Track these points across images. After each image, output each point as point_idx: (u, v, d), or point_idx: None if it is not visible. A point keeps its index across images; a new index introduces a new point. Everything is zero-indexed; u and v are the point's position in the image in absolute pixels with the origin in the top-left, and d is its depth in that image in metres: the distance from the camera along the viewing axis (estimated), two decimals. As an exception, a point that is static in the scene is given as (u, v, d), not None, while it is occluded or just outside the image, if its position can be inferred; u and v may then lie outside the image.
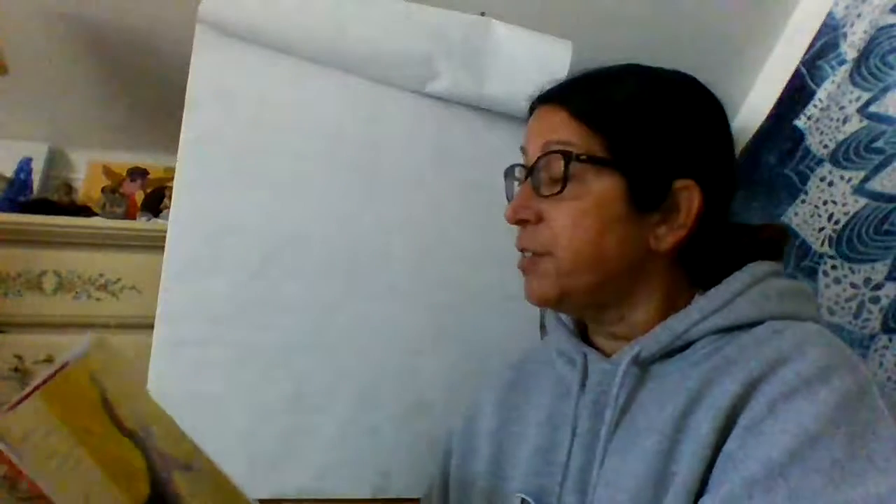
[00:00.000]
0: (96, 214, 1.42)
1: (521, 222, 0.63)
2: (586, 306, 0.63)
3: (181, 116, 1.02)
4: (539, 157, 0.60)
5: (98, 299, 1.13)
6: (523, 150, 0.65)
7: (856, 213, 1.18)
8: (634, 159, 0.58)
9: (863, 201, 1.18)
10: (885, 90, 1.20)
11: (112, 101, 1.49)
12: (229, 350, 0.94)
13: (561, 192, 0.58)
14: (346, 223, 1.05)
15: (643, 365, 0.58)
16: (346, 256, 1.04)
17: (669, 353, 0.58)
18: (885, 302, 1.09)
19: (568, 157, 0.58)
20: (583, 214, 0.58)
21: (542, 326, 1.11)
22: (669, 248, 0.59)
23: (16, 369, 1.06)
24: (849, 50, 1.25)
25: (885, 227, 1.14)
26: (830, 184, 1.23)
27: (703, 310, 0.57)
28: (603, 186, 0.58)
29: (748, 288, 0.57)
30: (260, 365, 0.96)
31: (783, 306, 0.57)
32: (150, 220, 1.38)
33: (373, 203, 1.07)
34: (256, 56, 1.07)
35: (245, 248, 0.99)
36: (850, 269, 1.15)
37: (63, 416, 0.37)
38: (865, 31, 1.23)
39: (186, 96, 1.02)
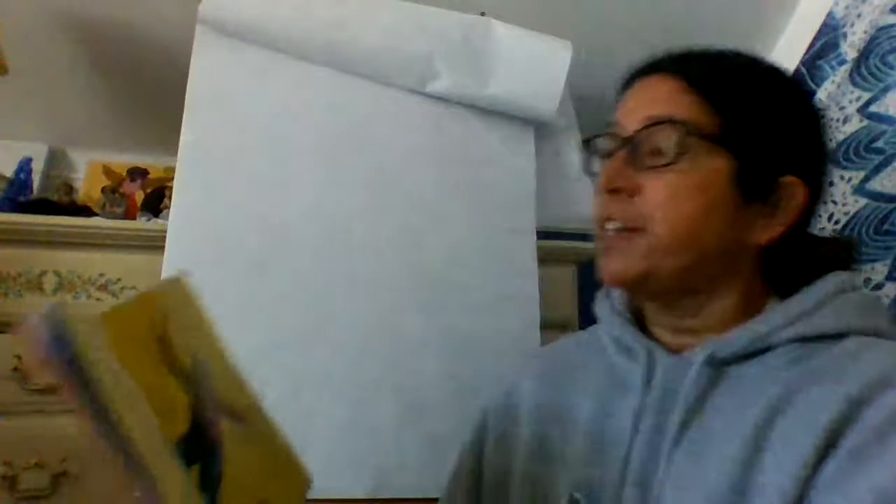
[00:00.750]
0: (96, 214, 1.42)
1: (614, 192, 0.58)
2: (667, 291, 0.59)
3: (181, 116, 1.02)
4: (644, 127, 0.57)
5: (98, 299, 1.13)
6: (614, 129, 0.61)
7: (856, 213, 1.18)
8: (750, 144, 0.56)
9: (863, 201, 1.18)
10: (885, 90, 1.20)
11: (112, 101, 1.49)
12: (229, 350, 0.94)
13: (670, 164, 0.55)
14: (346, 223, 1.05)
15: (717, 365, 0.56)
16: (345, 256, 1.04)
17: (745, 355, 0.56)
18: (885, 302, 1.09)
19: (685, 129, 0.55)
20: (687, 191, 0.55)
21: (543, 326, 1.11)
22: (764, 243, 0.57)
23: (16, 369, 1.06)
24: (849, 50, 1.25)
25: (885, 227, 1.14)
26: (830, 184, 1.23)
27: (788, 315, 0.55)
28: (713, 165, 0.56)
29: (832, 298, 0.56)
30: (259, 365, 0.95)
31: (866, 320, 0.56)
32: (150, 220, 1.38)
33: (373, 203, 1.07)
34: (256, 56, 1.07)
35: (245, 248, 0.99)
36: (850, 269, 1.15)
37: (115, 340, 0.36)
38: (865, 31, 1.23)
39: (186, 96, 1.02)
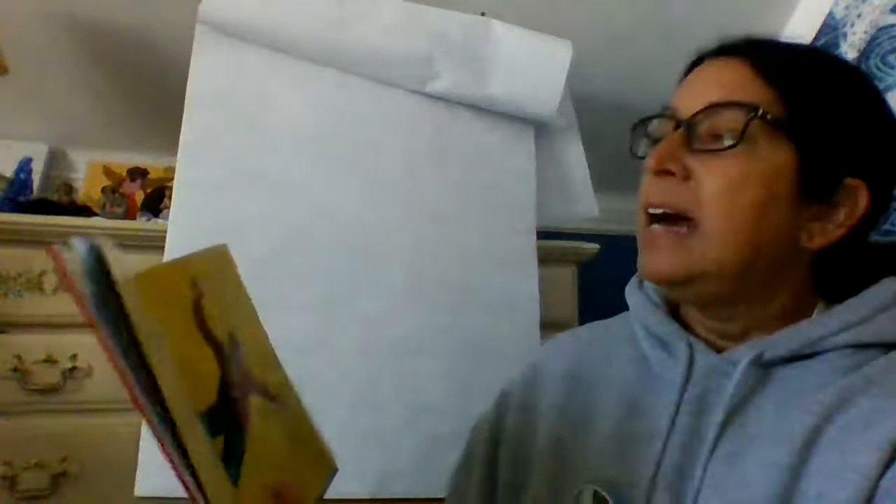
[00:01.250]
0: (96, 214, 1.42)
1: (663, 173, 0.54)
2: (714, 294, 0.55)
3: (181, 116, 1.02)
4: (709, 107, 0.53)
5: (98, 299, 1.13)
6: (668, 112, 0.57)
7: (856, 213, 1.18)
8: (817, 137, 0.52)
9: (863, 201, 1.18)
10: (885, 90, 1.20)
11: (112, 101, 1.49)
12: (229, 350, 0.94)
13: (731, 147, 0.51)
14: (346, 223, 1.05)
15: (762, 367, 0.53)
16: (345, 256, 1.04)
17: (791, 358, 0.53)
18: None
19: (753, 112, 0.51)
20: (746, 180, 0.51)
21: (543, 326, 1.11)
22: (819, 247, 0.53)
23: (15, 369, 1.06)
24: (849, 50, 1.25)
25: (886, 227, 1.14)
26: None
27: (844, 321, 0.52)
28: (775, 156, 0.51)
29: (889, 306, 0.53)
30: (260, 365, 0.96)
31: None
32: (150, 220, 1.38)
33: (372, 203, 1.07)
34: (256, 56, 1.07)
35: (244, 248, 0.98)
36: (850, 269, 1.15)
37: (149, 301, 0.34)
38: (865, 31, 1.23)
39: (186, 96, 1.02)
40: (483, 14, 1.20)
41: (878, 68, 1.22)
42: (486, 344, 1.06)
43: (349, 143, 1.08)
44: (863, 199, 0.53)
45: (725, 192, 0.51)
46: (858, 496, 0.44)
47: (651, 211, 0.55)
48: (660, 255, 0.54)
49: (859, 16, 1.25)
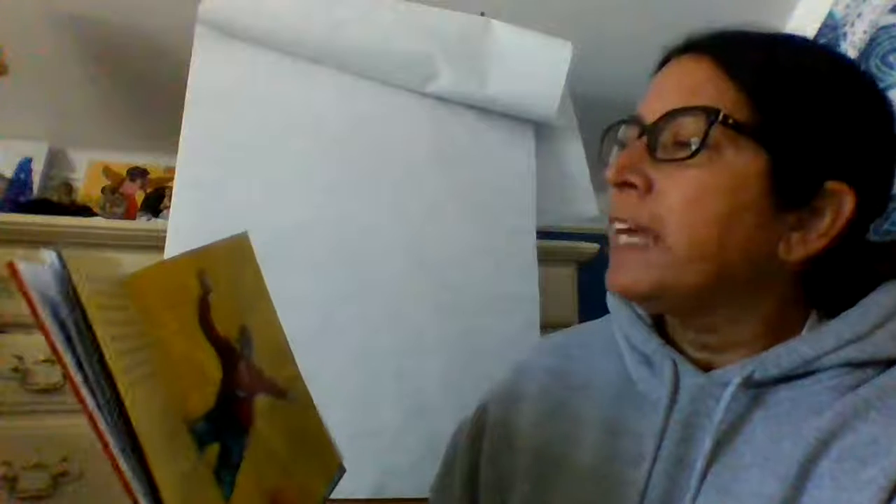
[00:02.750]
0: (96, 214, 1.42)
1: (623, 185, 0.51)
2: (681, 309, 0.52)
3: (181, 116, 1.02)
4: (668, 114, 0.49)
5: (98, 299, 1.13)
6: (635, 117, 0.54)
7: (856, 213, 1.18)
8: (789, 139, 0.47)
9: (863, 201, 1.18)
10: (886, 90, 1.20)
11: (112, 101, 1.49)
12: (229, 350, 0.94)
13: (691, 157, 0.47)
14: (346, 223, 1.05)
15: (752, 387, 0.49)
16: (345, 256, 1.04)
17: (783, 377, 0.49)
18: None
19: (714, 116, 0.47)
20: (708, 190, 0.47)
21: (543, 326, 1.11)
22: (799, 260, 0.49)
23: (16, 369, 1.06)
24: (849, 50, 1.25)
25: (886, 227, 1.14)
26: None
27: (840, 338, 0.48)
28: (742, 162, 0.47)
29: (889, 318, 0.48)
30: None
31: None
32: (150, 220, 1.38)
33: (372, 203, 1.07)
34: (256, 56, 1.07)
35: (245, 248, 0.99)
36: (850, 269, 1.15)
37: (139, 305, 0.32)
38: (865, 31, 1.23)
39: (186, 96, 1.02)
40: (483, 14, 1.20)
41: (878, 68, 1.22)
42: (486, 344, 1.06)
43: (349, 144, 1.08)
44: (848, 205, 0.48)
45: (687, 204, 0.48)
46: None
47: (617, 225, 0.52)
48: (623, 270, 0.52)
49: (859, 16, 1.25)
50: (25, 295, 0.29)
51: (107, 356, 0.30)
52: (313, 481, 0.48)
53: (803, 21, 1.40)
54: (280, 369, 0.47)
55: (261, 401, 0.43)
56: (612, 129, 0.57)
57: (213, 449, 0.36)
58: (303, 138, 1.06)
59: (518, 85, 1.15)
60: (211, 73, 1.04)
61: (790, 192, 0.48)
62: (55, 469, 1.04)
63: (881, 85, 1.19)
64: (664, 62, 0.56)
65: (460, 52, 1.13)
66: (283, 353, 0.49)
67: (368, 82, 1.11)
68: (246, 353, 0.42)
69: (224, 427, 0.38)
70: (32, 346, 1.08)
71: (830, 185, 0.48)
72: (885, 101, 0.52)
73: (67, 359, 0.29)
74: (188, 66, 1.04)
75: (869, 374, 0.48)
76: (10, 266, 0.28)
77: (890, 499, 0.41)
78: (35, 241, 1.10)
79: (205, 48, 1.05)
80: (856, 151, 0.49)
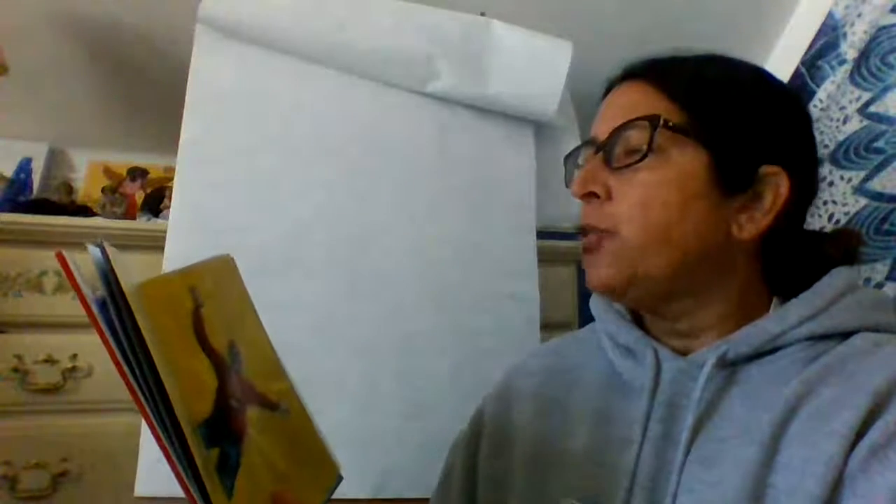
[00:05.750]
0: (96, 214, 1.42)
1: (587, 196, 0.58)
2: (655, 296, 0.58)
3: (181, 116, 1.02)
4: (617, 128, 0.57)
5: (98, 299, 1.13)
6: (590, 140, 0.62)
7: (856, 213, 1.18)
8: (723, 135, 0.55)
9: (863, 201, 1.18)
10: (885, 90, 1.20)
11: (112, 101, 1.49)
12: (229, 350, 0.94)
13: (640, 161, 0.55)
14: (346, 223, 1.05)
15: (727, 366, 0.55)
16: (345, 256, 1.04)
17: (755, 355, 0.55)
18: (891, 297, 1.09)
19: (655, 123, 0.55)
20: (659, 188, 0.55)
21: (543, 326, 1.11)
22: (751, 237, 0.56)
23: (16, 369, 1.06)
24: (849, 50, 1.25)
25: (886, 227, 1.14)
26: (831, 184, 1.23)
27: (801, 314, 0.54)
28: (686, 159, 0.55)
29: (842, 295, 0.55)
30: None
31: (876, 317, 0.55)
32: (150, 220, 1.38)
33: (372, 203, 1.07)
34: (256, 56, 1.07)
35: (244, 248, 0.99)
36: (850, 269, 1.15)
37: (150, 311, 0.35)
38: (865, 31, 1.23)
39: (186, 96, 1.02)
40: (483, 14, 1.20)
41: (878, 68, 1.22)
42: (486, 344, 1.06)
43: (349, 144, 1.08)
44: (784, 184, 0.55)
45: (641, 201, 0.55)
46: (828, 487, 0.45)
47: (586, 233, 0.59)
48: (594, 269, 0.58)
49: (859, 16, 1.25)
50: (73, 284, 0.33)
51: (149, 344, 0.33)
52: (308, 491, 0.49)
53: (803, 21, 1.40)
54: (270, 383, 0.48)
55: (252, 412, 0.44)
56: (572, 156, 0.65)
57: (214, 452, 0.38)
58: (302, 138, 1.06)
59: (518, 85, 1.15)
60: (211, 73, 1.04)
61: (732, 179, 0.55)
62: (55, 469, 1.04)
63: (881, 85, 1.20)
64: (607, 91, 0.64)
65: (460, 52, 1.13)
66: (274, 368, 0.51)
67: (368, 82, 1.11)
68: (235, 366, 0.43)
69: (222, 433, 0.40)
70: (32, 346, 1.08)
71: (765, 169, 0.56)
72: (798, 100, 0.63)
73: (123, 360, 0.33)
74: (188, 66, 1.04)
75: (829, 345, 0.54)
76: (59, 255, 0.33)
77: (853, 446, 0.46)
78: (35, 241, 1.10)
79: (205, 48, 1.05)
80: (780, 139, 0.57)
